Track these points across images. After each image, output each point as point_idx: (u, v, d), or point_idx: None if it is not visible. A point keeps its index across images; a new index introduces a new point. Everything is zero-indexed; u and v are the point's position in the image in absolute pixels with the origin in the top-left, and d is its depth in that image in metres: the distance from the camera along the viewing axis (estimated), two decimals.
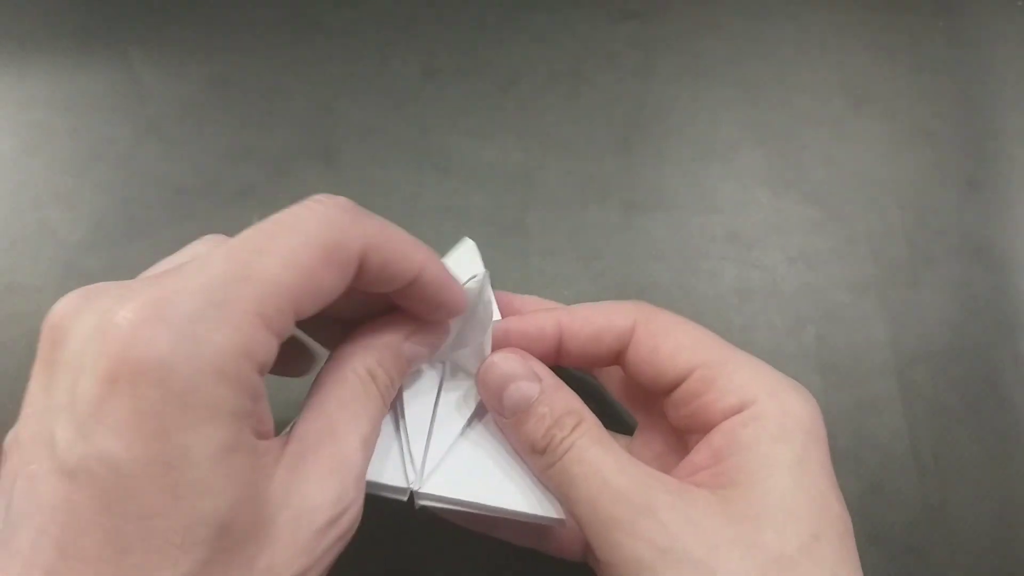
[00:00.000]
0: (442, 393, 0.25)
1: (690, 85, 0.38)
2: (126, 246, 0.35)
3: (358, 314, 0.24)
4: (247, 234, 0.19)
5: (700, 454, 0.23)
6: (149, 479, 0.16)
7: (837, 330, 0.34)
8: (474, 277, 0.24)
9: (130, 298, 0.16)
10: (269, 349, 0.18)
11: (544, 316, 0.26)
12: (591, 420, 0.23)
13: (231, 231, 0.35)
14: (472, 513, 0.24)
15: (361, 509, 0.20)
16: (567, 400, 0.24)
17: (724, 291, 0.34)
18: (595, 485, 0.22)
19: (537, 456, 0.23)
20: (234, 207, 0.35)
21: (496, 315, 0.27)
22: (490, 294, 0.26)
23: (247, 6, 0.39)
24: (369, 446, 0.21)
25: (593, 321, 0.25)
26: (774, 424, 0.22)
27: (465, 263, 0.28)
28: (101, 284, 0.18)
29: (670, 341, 0.24)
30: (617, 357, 0.26)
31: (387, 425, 0.24)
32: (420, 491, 0.23)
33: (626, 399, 0.29)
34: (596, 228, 0.35)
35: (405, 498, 0.23)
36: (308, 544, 0.18)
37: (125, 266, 0.34)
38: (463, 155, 0.37)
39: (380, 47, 0.39)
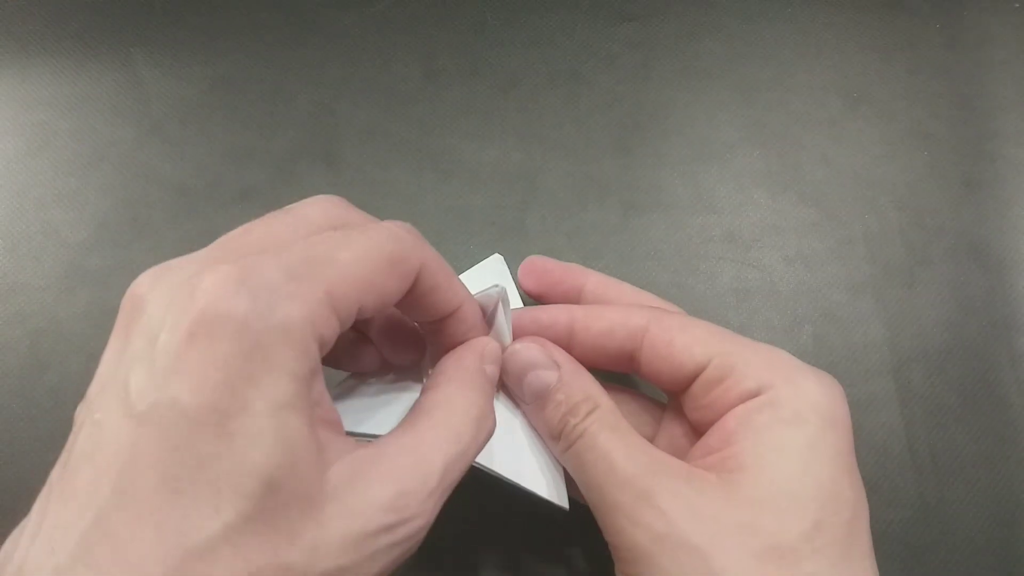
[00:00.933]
0: None
1: (688, 86, 0.38)
2: (129, 246, 0.35)
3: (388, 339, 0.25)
4: (328, 232, 0.20)
5: (713, 437, 0.23)
6: (210, 425, 0.16)
7: (834, 330, 0.34)
8: (495, 287, 0.25)
9: (215, 267, 0.18)
10: (331, 328, 0.19)
11: (558, 308, 0.26)
12: (606, 406, 0.24)
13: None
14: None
15: (427, 527, 0.20)
16: (584, 386, 0.24)
17: (722, 291, 0.35)
18: (602, 471, 0.22)
19: (554, 440, 0.24)
20: (236, 208, 0.35)
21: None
22: (506, 307, 0.27)
23: (249, 8, 0.40)
24: (453, 471, 0.21)
25: (607, 316, 0.26)
26: (788, 409, 0.22)
27: (490, 277, 0.30)
28: (180, 259, 0.19)
29: (685, 335, 0.25)
30: (630, 359, 0.26)
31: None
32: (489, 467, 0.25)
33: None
34: (595, 228, 0.35)
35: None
36: (357, 542, 0.18)
37: (128, 267, 0.34)
38: (463, 156, 0.37)
39: (381, 49, 0.39)
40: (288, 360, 0.17)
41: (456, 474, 0.21)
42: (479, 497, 0.27)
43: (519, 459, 0.25)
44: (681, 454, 0.25)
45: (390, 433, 0.21)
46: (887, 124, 0.38)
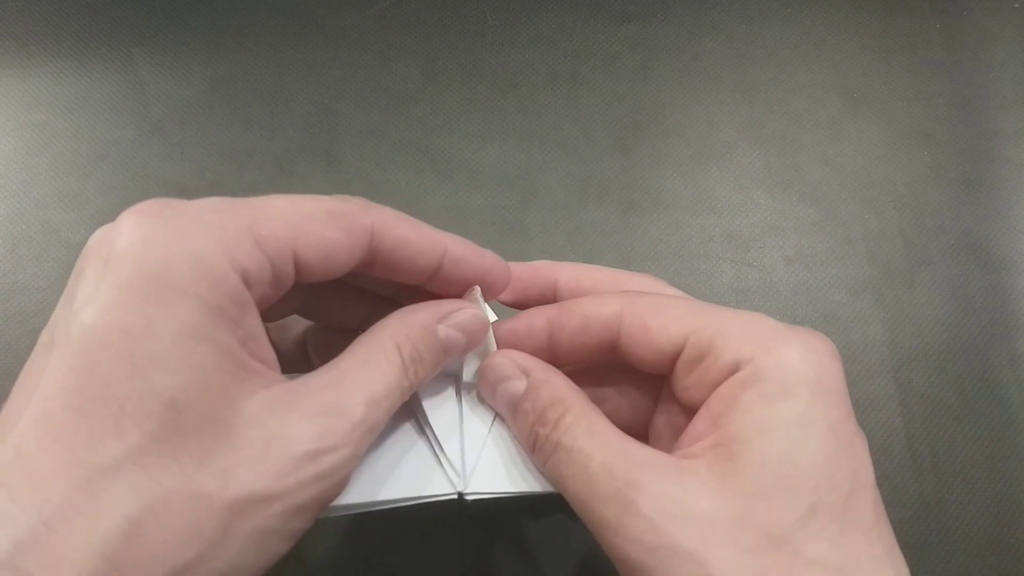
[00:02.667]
0: (463, 397, 0.26)
1: (688, 87, 0.38)
2: None
3: (381, 297, 0.25)
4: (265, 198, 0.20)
5: (701, 420, 0.22)
6: (114, 346, 0.17)
7: (834, 330, 0.34)
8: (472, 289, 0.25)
9: (140, 204, 0.18)
10: (256, 263, 0.19)
11: (533, 313, 0.25)
12: (578, 408, 0.22)
13: None
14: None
15: (353, 460, 0.20)
16: (552, 391, 0.23)
17: (722, 291, 0.35)
18: (583, 486, 0.21)
19: (531, 453, 0.23)
20: None
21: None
22: (486, 309, 0.26)
23: (250, 9, 0.40)
24: (377, 408, 0.20)
25: (579, 311, 0.25)
26: (773, 383, 0.20)
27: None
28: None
29: (659, 316, 0.23)
30: (613, 349, 0.25)
31: (420, 440, 0.25)
32: (466, 492, 0.24)
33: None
34: (595, 229, 0.35)
35: (455, 497, 0.24)
36: (276, 468, 0.18)
37: None
38: (463, 156, 0.37)
39: (381, 50, 0.39)
40: (198, 284, 0.17)
41: (381, 413, 0.21)
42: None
43: (527, 470, 0.24)
44: (679, 433, 0.24)
45: (316, 371, 0.20)
46: (887, 124, 0.38)
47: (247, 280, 0.18)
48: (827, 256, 0.35)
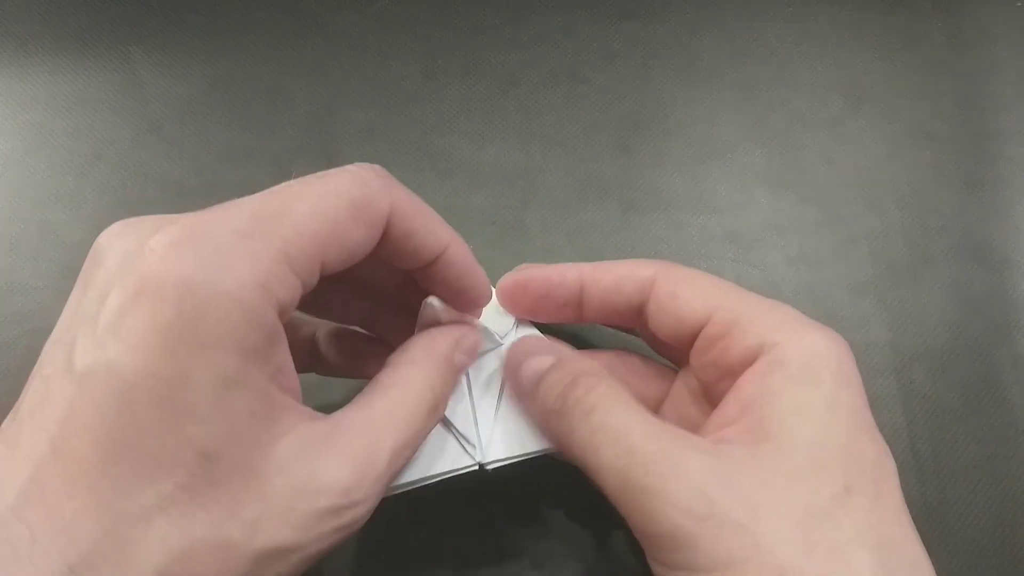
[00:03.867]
0: (471, 374, 0.26)
1: (689, 86, 0.38)
2: None
3: (384, 293, 0.25)
4: (285, 184, 0.19)
5: (729, 405, 0.22)
6: (148, 393, 0.16)
7: (836, 330, 0.33)
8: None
9: (167, 225, 0.17)
10: (290, 288, 0.18)
11: (566, 265, 0.26)
12: (613, 383, 0.22)
13: None
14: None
15: (370, 511, 0.20)
16: (585, 365, 0.23)
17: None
18: (622, 453, 0.20)
19: (555, 420, 0.22)
20: None
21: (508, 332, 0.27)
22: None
23: (248, 7, 0.39)
24: (400, 457, 0.20)
25: (614, 271, 0.25)
26: (799, 368, 0.21)
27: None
28: (145, 216, 0.19)
29: (689, 287, 0.24)
30: (638, 314, 0.25)
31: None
32: (485, 461, 0.25)
33: (664, 352, 0.28)
34: (595, 228, 0.35)
35: (476, 469, 0.25)
36: (301, 521, 0.18)
37: None
38: (463, 156, 0.37)
39: (381, 48, 0.39)
40: (236, 330, 0.17)
41: (403, 460, 0.21)
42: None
43: (520, 433, 0.25)
44: (689, 423, 0.24)
45: (346, 407, 0.20)
46: (889, 123, 0.38)
47: (281, 311, 0.18)
48: (829, 256, 0.35)
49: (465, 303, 0.24)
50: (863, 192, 0.36)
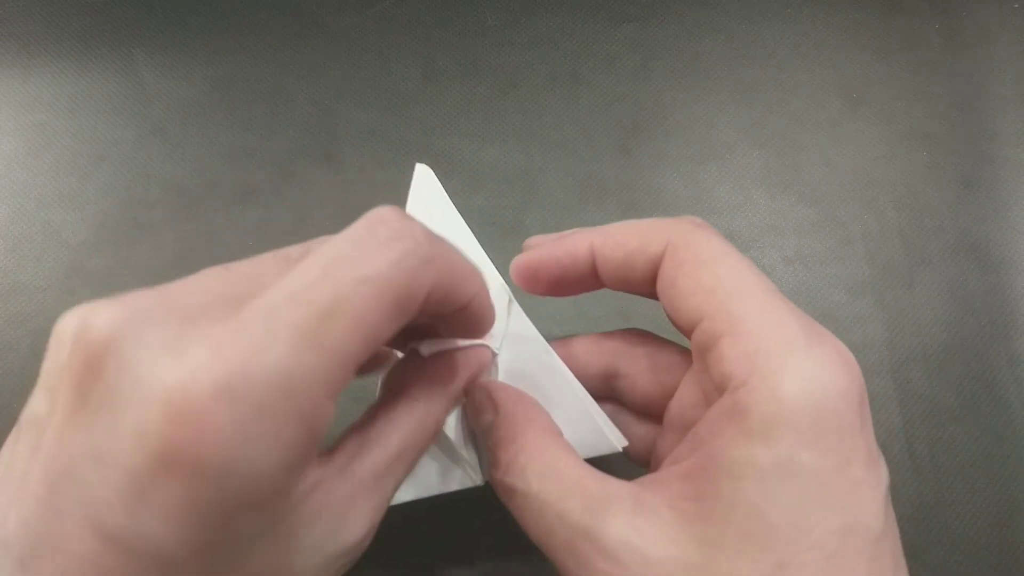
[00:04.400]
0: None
1: (688, 87, 0.38)
2: (130, 247, 0.35)
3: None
4: (315, 281, 0.16)
5: (686, 445, 0.21)
6: (190, 561, 0.15)
7: (833, 330, 0.33)
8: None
9: (194, 351, 0.15)
10: (329, 418, 0.17)
11: (577, 239, 0.24)
12: (533, 445, 0.21)
13: (234, 232, 0.35)
14: None
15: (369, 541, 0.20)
16: (509, 428, 0.22)
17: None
18: (542, 534, 0.20)
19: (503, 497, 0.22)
20: (237, 208, 0.36)
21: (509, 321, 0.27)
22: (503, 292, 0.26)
23: (250, 9, 0.40)
24: (397, 486, 0.21)
25: (625, 244, 0.23)
26: (756, 420, 0.18)
27: (427, 196, 0.29)
28: (146, 300, 0.16)
29: (691, 278, 0.21)
30: (651, 287, 0.23)
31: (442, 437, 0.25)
32: (486, 480, 0.25)
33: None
34: None
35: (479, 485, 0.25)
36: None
37: (129, 267, 0.34)
38: (464, 156, 0.37)
39: (381, 50, 0.39)
40: (280, 485, 0.16)
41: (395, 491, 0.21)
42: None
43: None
44: (689, 427, 0.23)
45: (361, 452, 0.20)
46: (886, 124, 0.38)
47: (319, 440, 0.17)
48: (826, 256, 0.35)
49: (471, 335, 0.23)
50: (860, 193, 0.36)
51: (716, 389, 0.20)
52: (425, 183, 0.28)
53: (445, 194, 0.28)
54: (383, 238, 0.17)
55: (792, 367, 0.18)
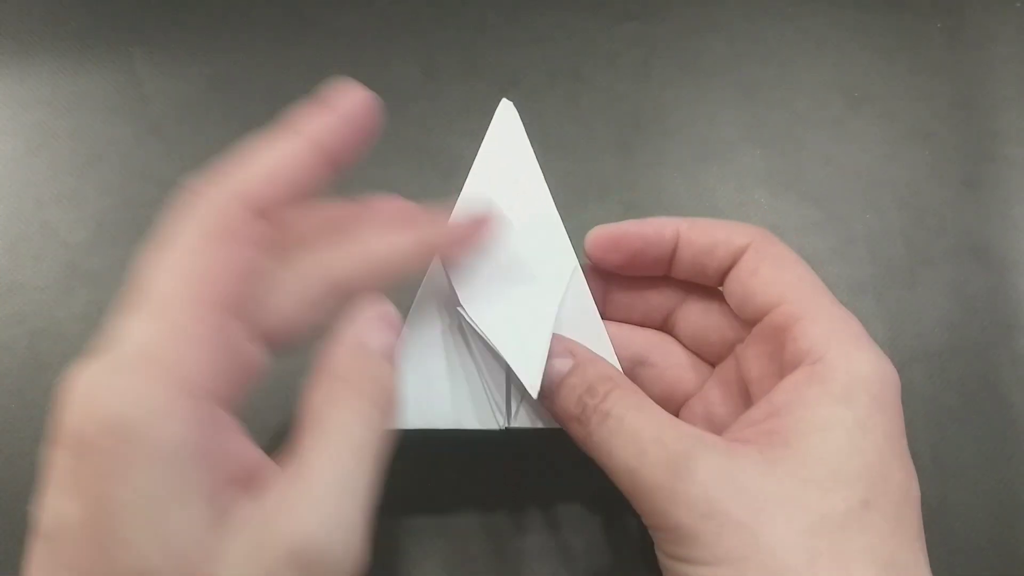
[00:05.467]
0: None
1: (689, 86, 0.38)
2: (128, 246, 0.35)
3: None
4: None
5: (760, 410, 0.22)
6: (81, 533, 0.16)
7: None
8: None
9: (88, 367, 0.17)
10: (197, 362, 0.18)
11: (664, 221, 0.26)
12: (627, 385, 0.23)
13: None
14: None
15: (358, 554, 0.18)
16: (601, 368, 0.24)
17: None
18: (634, 454, 0.21)
19: (576, 425, 0.23)
20: None
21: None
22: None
23: (248, 7, 0.39)
24: (367, 460, 0.19)
25: (712, 233, 0.26)
26: (838, 385, 0.21)
27: (505, 136, 0.29)
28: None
29: (772, 270, 0.24)
30: (723, 276, 0.26)
31: (468, 364, 0.26)
32: (511, 427, 0.26)
33: (702, 350, 0.28)
34: None
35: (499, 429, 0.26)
36: None
37: (128, 267, 0.34)
38: (464, 156, 0.37)
39: (381, 48, 0.39)
40: (165, 439, 0.16)
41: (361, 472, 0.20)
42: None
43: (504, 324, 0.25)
44: (716, 422, 0.25)
45: (285, 481, 0.19)
46: (889, 123, 0.38)
47: (221, 399, 0.18)
48: (828, 256, 0.35)
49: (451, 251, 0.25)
50: (862, 192, 0.36)
51: (788, 362, 0.23)
52: (507, 122, 0.29)
53: (525, 137, 0.29)
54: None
55: (863, 351, 0.22)
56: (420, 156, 0.37)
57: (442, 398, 0.26)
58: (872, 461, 0.20)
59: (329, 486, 0.18)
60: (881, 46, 0.39)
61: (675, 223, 0.26)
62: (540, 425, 0.26)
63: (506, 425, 0.26)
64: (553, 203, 0.28)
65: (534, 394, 0.24)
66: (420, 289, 0.26)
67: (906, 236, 0.36)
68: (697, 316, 0.27)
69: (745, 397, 0.25)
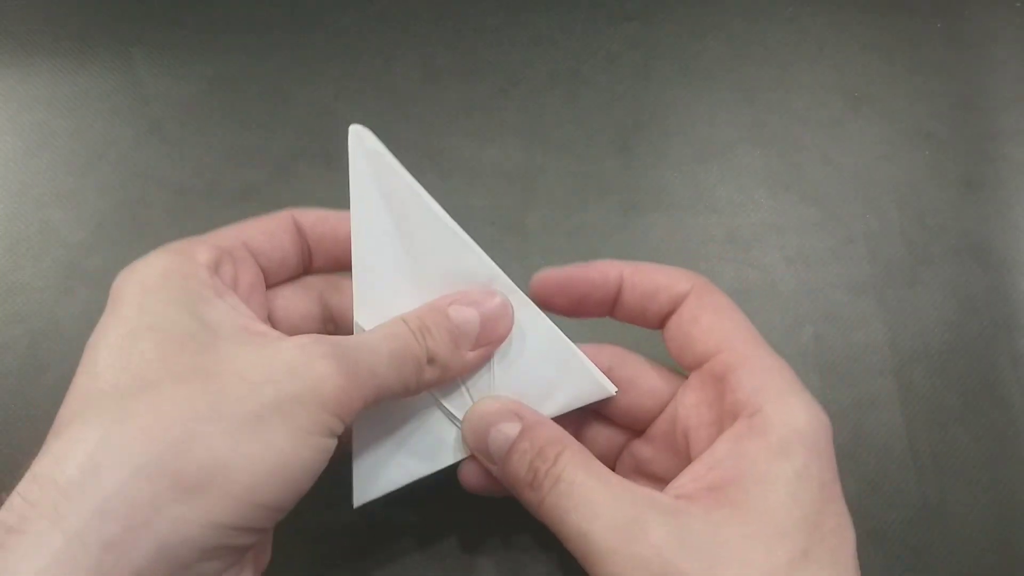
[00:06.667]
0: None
1: (689, 86, 0.38)
2: (128, 247, 0.35)
3: None
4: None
5: (701, 464, 0.23)
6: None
7: (835, 330, 0.34)
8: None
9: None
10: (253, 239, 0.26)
11: (608, 265, 0.27)
12: (575, 447, 0.23)
13: None
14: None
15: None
16: (548, 432, 0.24)
17: (723, 291, 0.34)
18: (586, 517, 0.21)
19: (528, 491, 0.23)
20: (235, 208, 0.35)
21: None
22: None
23: (249, 8, 0.39)
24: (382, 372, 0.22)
25: (655, 278, 0.26)
26: (776, 437, 0.22)
27: (371, 165, 0.27)
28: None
29: (712, 318, 0.25)
30: (663, 321, 0.26)
31: (431, 409, 0.26)
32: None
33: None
34: (595, 228, 0.35)
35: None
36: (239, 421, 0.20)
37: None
38: (464, 156, 0.37)
39: (381, 49, 0.39)
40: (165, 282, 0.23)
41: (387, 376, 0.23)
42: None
43: (543, 395, 0.25)
44: (650, 472, 0.26)
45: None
46: (888, 124, 0.38)
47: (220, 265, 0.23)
48: (828, 256, 0.35)
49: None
50: (862, 192, 0.36)
51: (727, 412, 0.23)
52: (364, 146, 0.27)
53: (390, 154, 0.28)
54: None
55: (797, 402, 0.23)
56: (420, 156, 0.37)
57: (418, 447, 0.25)
58: (808, 512, 0.21)
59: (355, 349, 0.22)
60: (881, 46, 0.39)
61: (620, 267, 0.26)
62: None
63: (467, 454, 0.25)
64: (442, 210, 0.28)
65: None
66: None
67: (906, 236, 0.36)
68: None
69: (683, 445, 0.26)
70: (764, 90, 0.38)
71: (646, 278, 0.26)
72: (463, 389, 0.26)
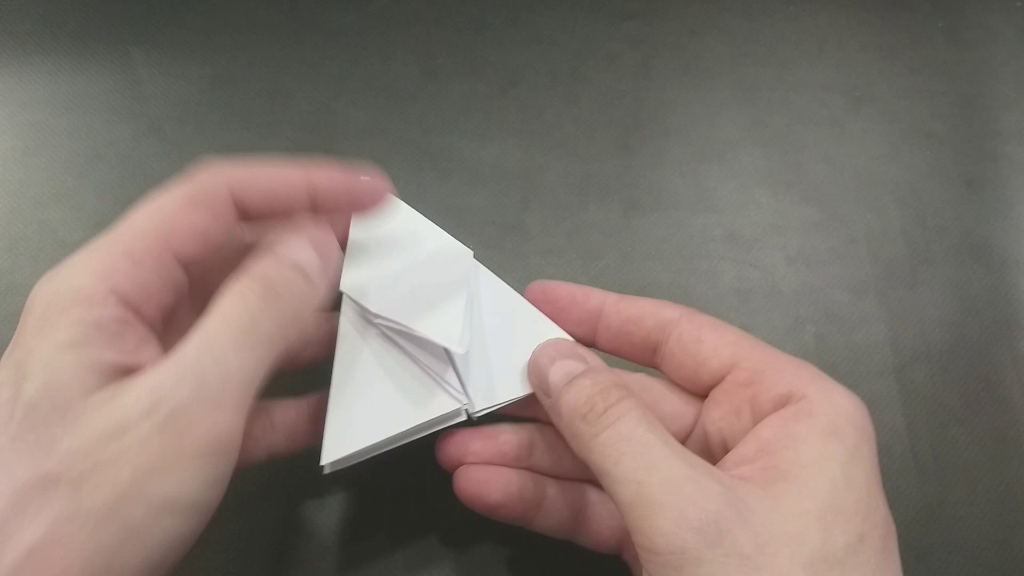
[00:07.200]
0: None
1: (689, 85, 0.38)
2: None
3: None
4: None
5: (747, 447, 0.23)
6: (5, 379, 0.20)
7: (836, 330, 0.34)
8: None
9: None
10: (136, 279, 0.21)
11: (592, 289, 0.27)
12: (640, 399, 0.23)
13: None
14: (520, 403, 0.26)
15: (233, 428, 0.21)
16: (617, 376, 0.24)
17: (723, 291, 0.34)
18: (643, 467, 0.21)
19: (579, 423, 0.23)
20: None
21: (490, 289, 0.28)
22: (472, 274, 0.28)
23: (248, 7, 0.39)
24: (230, 357, 0.21)
25: (639, 304, 0.26)
26: (826, 419, 0.22)
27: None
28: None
29: (715, 334, 0.25)
30: (653, 352, 0.26)
31: (408, 365, 0.26)
32: (475, 412, 0.26)
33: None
34: (596, 228, 0.35)
35: (464, 418, 0.26)
36: (114, 433, 0.19)
37: None
38: (463, 155, 0.37)
39: (380, 47, 0.39)
40: (72, 310, 0.20)
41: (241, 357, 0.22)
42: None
43: (521, 375, 0.26)
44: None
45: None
46: (889, 123, 0.38)
47: (121, 297, 0.21)
48: (829, 256, 0.35)
49: (362, 208, 0.26)
50: (863, 192, 0.36)
51: (764, 412, 0.23)
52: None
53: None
54: (187, 176, 0.24)
55: (838, 389, 0.23)
56: (419, 156, 0.37)
57: (394, 402, 0.25)
58: (863, 495, 0.21)
59: (195, 358, 0.20)
60: (882, 46, 0.39)
61: (603, 296, 0.27)
62: (500, 401, 0.26)
63: (467, 406, 0.25)
64: (416, 211, 0.29)
65: (460, 349, 0.24)
66: (339, 330, 0.26)
67: (907, 236, 0.36)
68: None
69: (721, 455, 0.25)
70: (765, 89, 0.38)
71: (632, 304, 0.26)
72: (441, 349, 0.26)
